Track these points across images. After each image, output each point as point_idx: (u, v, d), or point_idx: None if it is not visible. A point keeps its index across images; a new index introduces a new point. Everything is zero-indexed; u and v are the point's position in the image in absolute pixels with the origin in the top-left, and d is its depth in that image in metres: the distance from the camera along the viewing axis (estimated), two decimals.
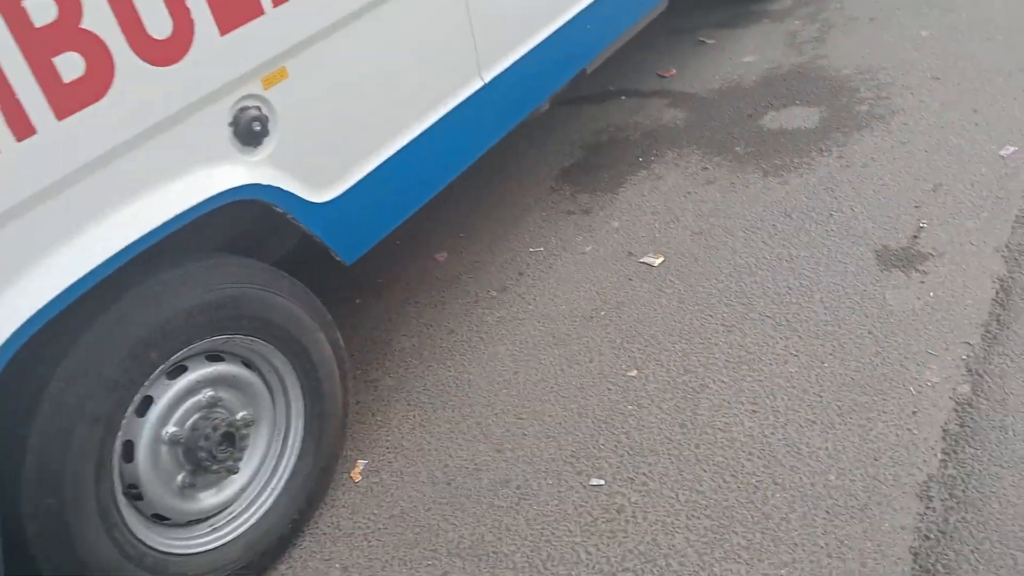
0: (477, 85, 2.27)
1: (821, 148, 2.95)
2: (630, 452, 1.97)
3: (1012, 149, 2.66)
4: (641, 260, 2.63)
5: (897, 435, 1.83)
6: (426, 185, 2.16)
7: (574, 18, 2.60)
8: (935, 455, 1.76)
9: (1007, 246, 2.29)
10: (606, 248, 2.73)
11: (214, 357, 1.81)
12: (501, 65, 2.35)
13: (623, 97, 3.69)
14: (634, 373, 2.20)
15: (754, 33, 3.92)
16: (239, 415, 1.83)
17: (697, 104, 3.46)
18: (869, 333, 2.14)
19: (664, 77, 3.74)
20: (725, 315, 2.32)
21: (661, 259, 2.61)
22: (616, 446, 1.99)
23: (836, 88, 3.28)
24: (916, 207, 2.54)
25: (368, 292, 2.78)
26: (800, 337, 2.18)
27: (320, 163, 1.86)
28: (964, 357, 1.99)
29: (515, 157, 3.34)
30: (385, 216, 2.05)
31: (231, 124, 1.69)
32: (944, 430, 1.82)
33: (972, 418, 1.83)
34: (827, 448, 1.84)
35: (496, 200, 3.12)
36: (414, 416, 2.23)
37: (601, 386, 2.19)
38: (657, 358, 2.23)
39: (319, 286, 2.08)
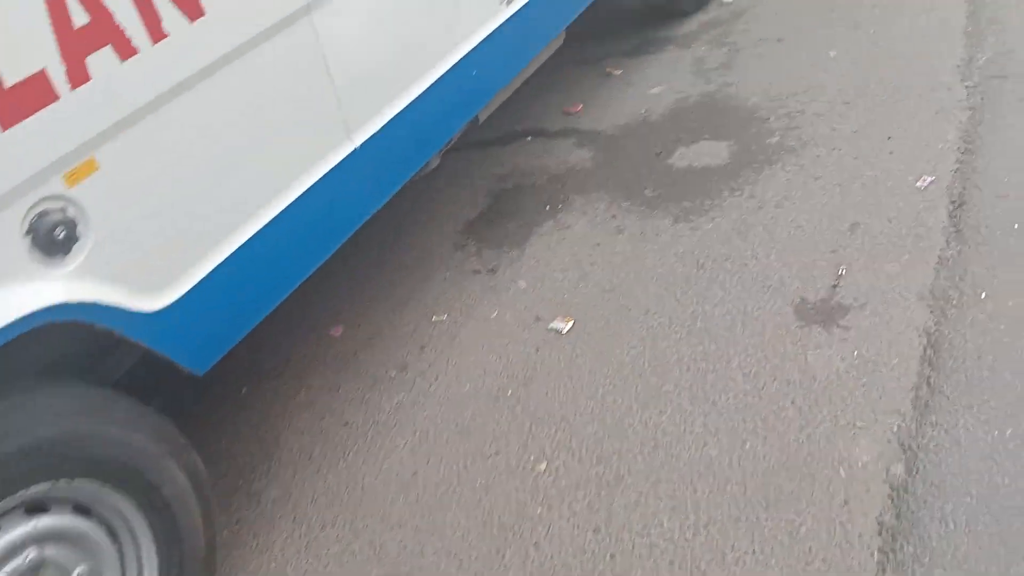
0: (347, 150, 2.03)
1: (732, 187, 2.78)
2: (539, 569, 1.74)
3: (929, 179, 2.53)
4: (550, 326, 2.41)
5: (829, 532, 1.64)
6: (290, 272, 1.91)
7: (457, 65, 2.38)
8: (871, 556, 1.57)
9: (931, 292, 2.14)
10: (513, 312, 2.51)
11: (37, 506, 1.52)
12: (375, 124, 2.11)
13: (529, 137, 3.49)
14: (543, 466, 1.98)
15: (661, 61, 3.77)
16: (74, 573, 1.55)
17: (604, 143, 3.28)
18: (792, 404, 1.96)
19: (571, 114, 3.55)
20: (639, 389, 2.12)
21: (571, 323, 2.40)
22: (524, 561, 1.76)
23: (745, 119, 3.14)
24: (833, 251, 2.38)
25: (255, 379, 2.51)
26: (719, 412, 1.99)
27: (149, 266, 1.59)
28: (895, 429, 1.82)
29: (418, 210, 3.11)
30: (240, 315, 1.79)
31: (28, 233, 1.42)
32: (880, 523, 1.63)
33: (909, 507, 1.65)
34: (754, 552, 1.65)
35: (398, 260, 2.88)
36: (300, 536, 1.97)
37: (508, 485, 1.96)
38: (568, 445, 2.02)
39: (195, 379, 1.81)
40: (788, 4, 3.85)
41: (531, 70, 3.03)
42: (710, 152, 3.02)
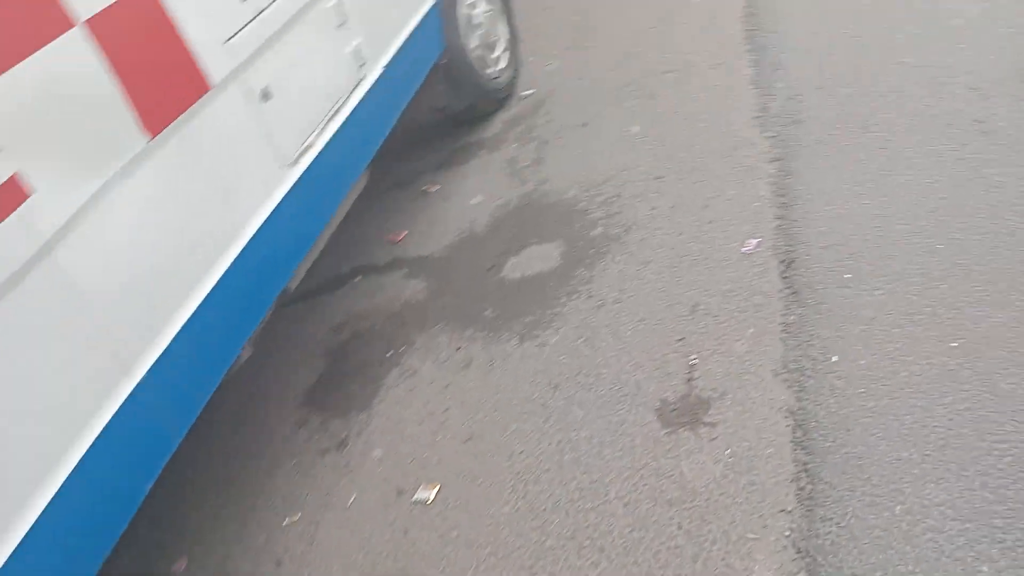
0: (127, 388, 1.76)
1: (569, 291, 2.68)
2: None
3: (754, 242, 2.51)
4: (414, 498, 2.19)
5: None
6: (97, 546, 1.61)
7: (245, 251, 2.16)
8: None
9: (784, 366, 2.07)
10: (372, 491, 2.28)
11: None
12: (156, 349, 1.85)
13: (359, 277, 3.30)
14: None
15: (475, 169, 3.70)
16: None
17: (435, 267, 3.13)
18: (680, 528, 1.81)
19: (396, 242, 3.40)
20: (522, 552, 1.92)
21: (436, 489, 2.19)
22: None
23: (566, 214, 3.07)
24: (680, 340, 2.30)
25: None
26: (609, 559, 1.81)
27: None
28: (787, 533, 1.70)
29: (248, 392, 2.84)
30: None
31: None
32: None
33: None
34: None
35: (236, 459, 2.60)
36: None
37: None
38: None
39: None
40: (583, 85, 3.88)
41: (339, 218, 2.86)
42: (540, 256, 2.92)
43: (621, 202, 2.99)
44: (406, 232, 3.43)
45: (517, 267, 2.92)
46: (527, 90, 4.04)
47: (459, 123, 3.97)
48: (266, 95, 2.29)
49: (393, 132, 3.13)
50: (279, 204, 2.31)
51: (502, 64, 3.93)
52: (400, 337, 2.85)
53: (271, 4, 2.31)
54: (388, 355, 2.79)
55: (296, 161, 2.41)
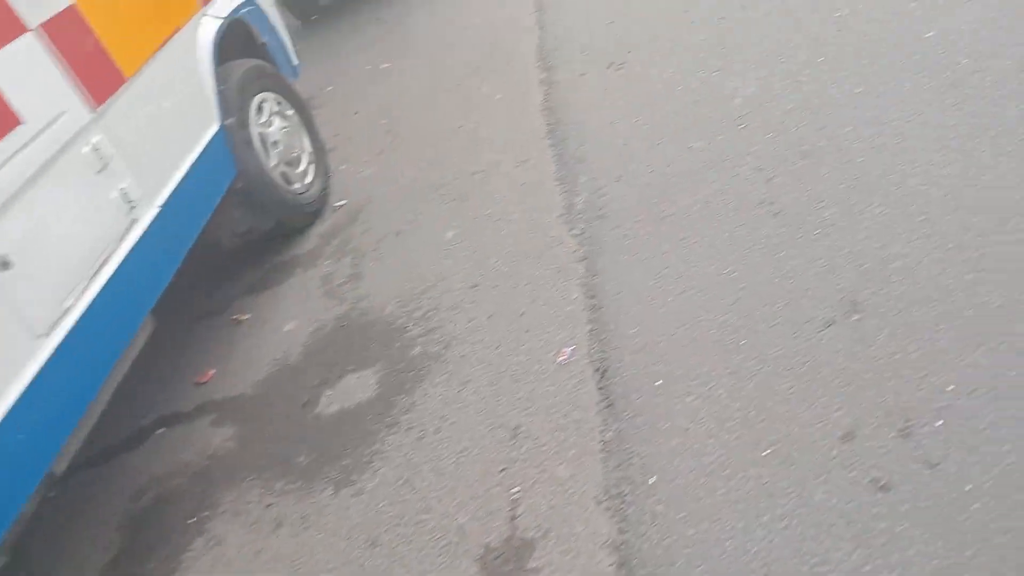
0: None
1: (389, 423, 2.49)
2: None
3: (569, 350, 2.42)
4: None
5: None
6: None
7: None
8: None
9: (607, 491, 1.95)
10: None
11: None
12: None
13: (162, 430, 2.98)
14: None
15: (289, 289, 3.48)
16: None
17: (246, 410, 2.87)
18: None
19: (203, 384, 3.11)
20: None
21: None
22: None
23: (385, 334, 2.90)
24: (503, 469, 2.15)
25: None
26: None
27: None
28: None
29: None
30: None
31: None
32: None
33: None
34: None
35: None
36: None
37: None
38: None
39: None
40: (396, 191, 3.77)
41: (117, 378, 2.55)
42: (358, 385, 2.72)
43: (439, 315, 2.85)
44: (213, 371, 3.15)
45: (334, 399, 2.71)
46: (340, 200, 3.89)
47: (272, 240, 3.75)
48: (5, 264, 2.01)
49: (197, 261, 2.88)
50: (31, 382, 2.02)
51: (309, 177, 3.77)
52: (207, 498, 2.56)
53: (4, 164, 2.05)
54: (191, 521, 2.49)
55: (51, 330, 2.12)
